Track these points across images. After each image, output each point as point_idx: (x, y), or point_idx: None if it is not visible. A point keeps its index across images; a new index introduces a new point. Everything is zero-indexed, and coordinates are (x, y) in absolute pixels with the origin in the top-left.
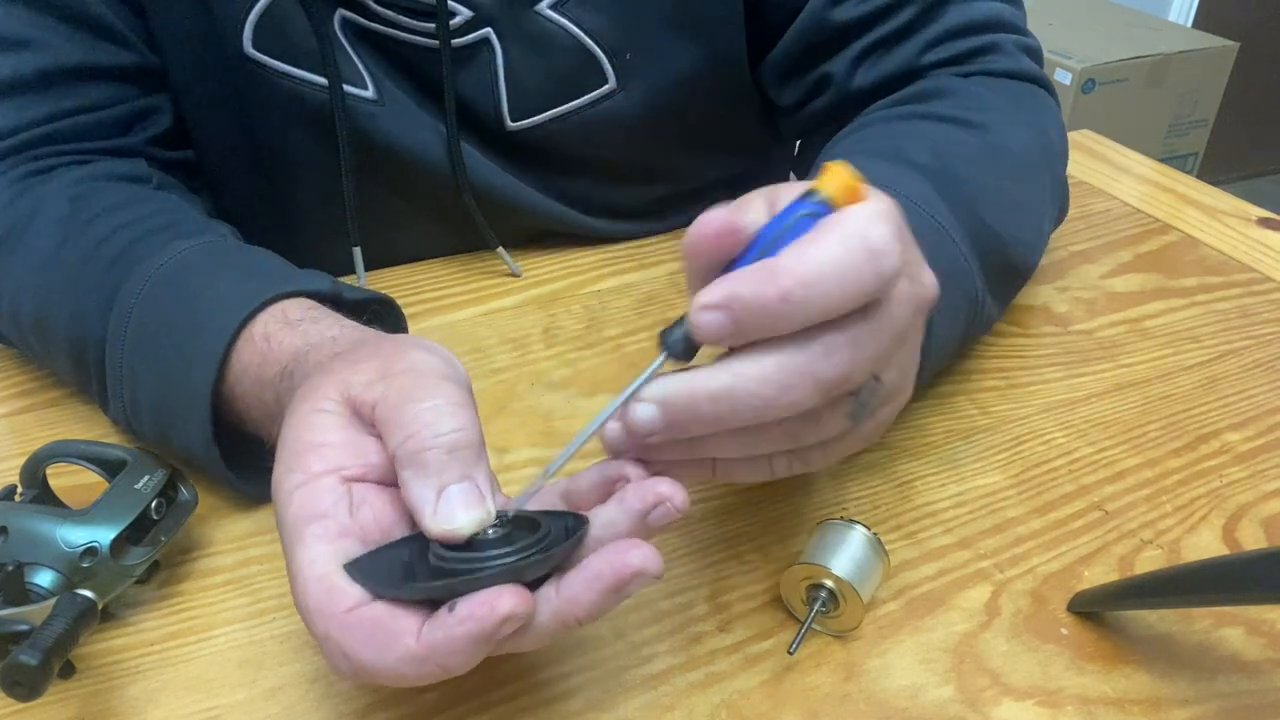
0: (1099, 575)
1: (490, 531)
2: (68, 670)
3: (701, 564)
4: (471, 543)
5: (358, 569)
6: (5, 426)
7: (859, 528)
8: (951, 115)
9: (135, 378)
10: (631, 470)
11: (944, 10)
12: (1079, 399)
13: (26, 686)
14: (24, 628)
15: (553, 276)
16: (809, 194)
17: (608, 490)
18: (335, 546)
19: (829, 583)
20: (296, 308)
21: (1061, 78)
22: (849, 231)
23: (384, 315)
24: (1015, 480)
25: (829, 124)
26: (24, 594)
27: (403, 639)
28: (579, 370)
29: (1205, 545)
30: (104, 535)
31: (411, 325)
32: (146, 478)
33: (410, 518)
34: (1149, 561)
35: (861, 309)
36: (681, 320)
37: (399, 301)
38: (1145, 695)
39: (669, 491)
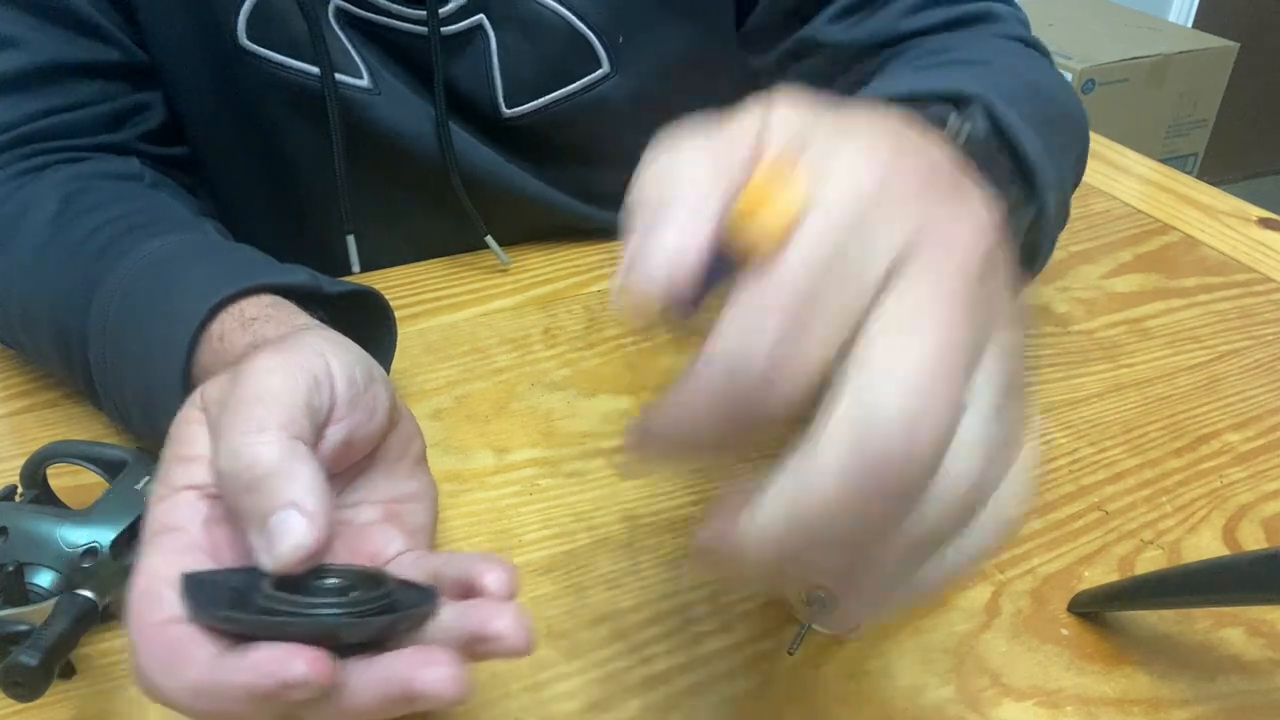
0: (1099, 576)
1: (330, 580)
2: (68, 671)
3: None
4: (303, 586)
5: (192, 583)
6: (5, 426)
7: None
8: (968, 59)
9: (119, 373)
10: (490, 580)
11: None
12: (1079, 399)
13: (26, 687)
14: (24, 628)
15: (553, 276)
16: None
17: (466, 589)
18: (178, 560)
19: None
20: (255, 305)
21: None
22: None
23: (371, 308)
24: None
25: (814, 84)
26: (24, 594)
27: (191, 668)
28: (579, 370)
29: (1205, 546)
30: (104, 535)
31: (411, 325)
32: (147, 478)
33: None
34: (1149, 562)
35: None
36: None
37: (399, 301)
38: (1145, 696)
39: (503, 630)
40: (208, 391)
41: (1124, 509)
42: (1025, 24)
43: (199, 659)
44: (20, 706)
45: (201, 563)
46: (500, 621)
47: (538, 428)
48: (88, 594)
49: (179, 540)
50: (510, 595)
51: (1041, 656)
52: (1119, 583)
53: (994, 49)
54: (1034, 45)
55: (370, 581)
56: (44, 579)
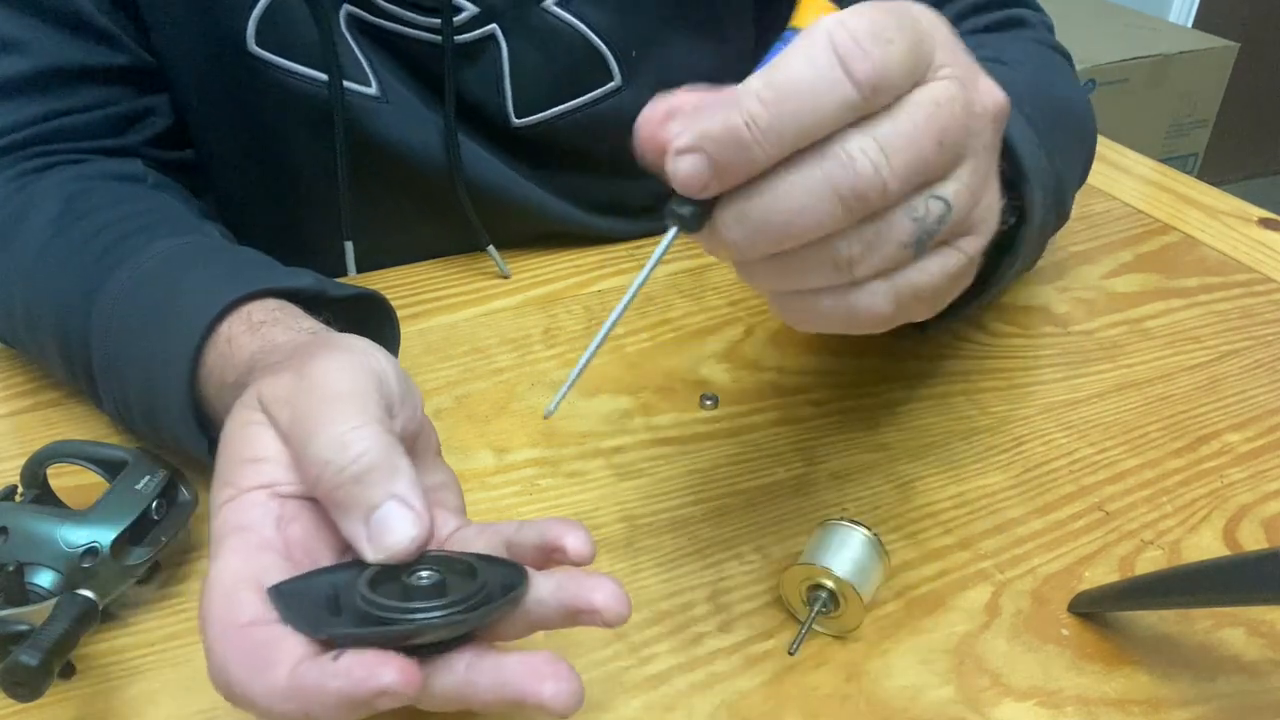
0: (1099, 576)
1: (424, 575)
2: (68, 671)
3: (701, 564)
4: (396, 581)
5: (283, 596)
6: (5, 426)
7: (859, 528)
8: (993, 57)
9: (122, 376)
10: (571, 542)
11: None
12: (1079, 399)
13: (27, 687)
14: (24, 628)
15: (553, 276)
16: (786, 30)
17: (546, 555)
18: (253, 560)
19: (829, 583)
20: (262, 309)
21: None
22: (814, 38)
23: (374, 311)
24: (1016, 481)
25: None
26: (24, 594)
27: (277, 669)
28: None
29: (1206, 546)
30: (104, 535)
31: (411, 325)
32: (147, 478)
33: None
34: (1150, 562)
35: (884, 110)
36: None
37: (399, 302)
38: (1146, 696)
39: (601, 604)
40: (266, 392)
41: (1124, 509)
42: (1051, 29)
43: (287, 662)
44: (20, 706)
45: (275, 562)
46: (599, 594)
47: (538, 428)
48: (88, 594)
49: (251, 540)
50: (592, 556)
51: (1041, 656)
52: (1119, 583)
53: (1025, 51)
54: (1059, 51)
55: (458, 567)
56: (44, 579)
